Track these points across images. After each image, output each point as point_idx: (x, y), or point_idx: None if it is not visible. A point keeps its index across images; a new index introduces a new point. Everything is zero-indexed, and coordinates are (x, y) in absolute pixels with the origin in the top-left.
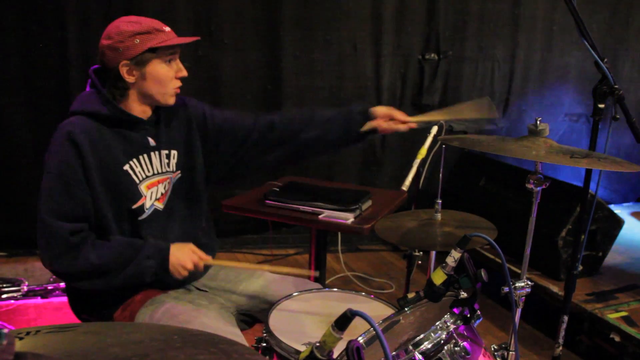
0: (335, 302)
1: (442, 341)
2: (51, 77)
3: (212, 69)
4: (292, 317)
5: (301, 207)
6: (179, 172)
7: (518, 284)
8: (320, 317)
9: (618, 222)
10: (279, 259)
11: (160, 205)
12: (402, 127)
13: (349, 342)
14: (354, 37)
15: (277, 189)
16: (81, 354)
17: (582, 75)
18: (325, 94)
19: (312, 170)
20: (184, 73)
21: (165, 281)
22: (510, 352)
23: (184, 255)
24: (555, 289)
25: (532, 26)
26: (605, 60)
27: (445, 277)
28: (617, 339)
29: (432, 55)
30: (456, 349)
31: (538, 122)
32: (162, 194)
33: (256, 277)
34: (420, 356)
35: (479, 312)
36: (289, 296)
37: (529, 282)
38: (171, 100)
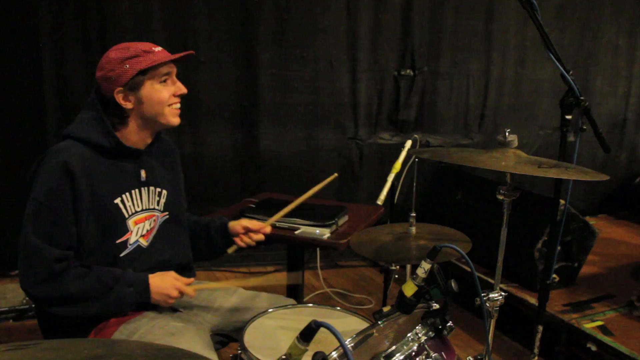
0: (311, 317)
1: (413, 353)
2: (25, 97)
3: (189, 86)
4: (267, 333)
5: (277, 223)
6: (167, 213)
7: (492, 295)
8: (295, 332)
9: (593, 233)
10: (257, 277)
11: (144, 242)
12: (260, 237)
13: (315, 353)
14: (330, 54)
15: (254, 206)
16: None
17: (555, 90)
18: (302, 110)
19: (290, 187)
20: (183, 90)
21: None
22: None
23: (166, 284)
24: (532, 300)
25: (505, 42)
26: (571, 72)
27: (415, 288)
28: (593, 348)
29: (408, 71)
30: None
31: (507, 134)
32: (147, 231)
33: (230, 294)
34: None
35: (450, 323)
36: (264, 312)
37: (502, 293)
38: (175, 121)
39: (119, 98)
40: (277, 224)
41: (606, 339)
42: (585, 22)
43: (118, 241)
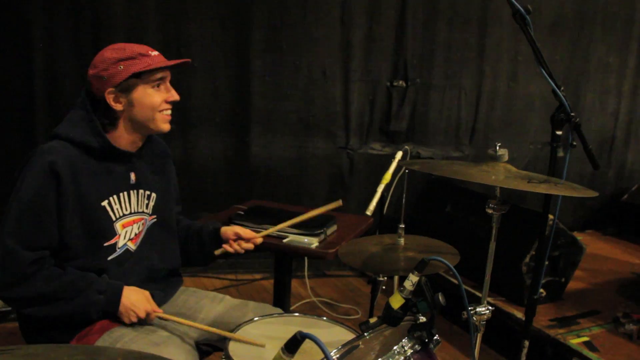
0: (297, 327)
1: None
2: (15, 96)
3: (181, 91)
4: None
5: (265, 231)
6: (155, 216)
7: (479, 309)
8: (280, 342)
9: (580, 249)
10: (245, 284)
11: (132, 246)
12: (249, 246)
13: None
14: (323, 62)
15: (242, 213)
16: None
17: (546, 105)
18: (294, 118)
19: (280, 195)
20: (175, 97)
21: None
22: None
23: (138, 302)
24: (519, 314)
25: (497, 56)
26: (562, 88)
27: (403, 301)
28: None
29: (400, 82)
30: None
31: (497, 148)
32: (135, 234)
33: (216, 303)
34: None
35: (437, 336)
36: (249, 321)
37: (490, 307)
38: (165, 127)
39: (110, 99)
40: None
41: (592, 355)
42: (577, 39)
43: (106, 244)
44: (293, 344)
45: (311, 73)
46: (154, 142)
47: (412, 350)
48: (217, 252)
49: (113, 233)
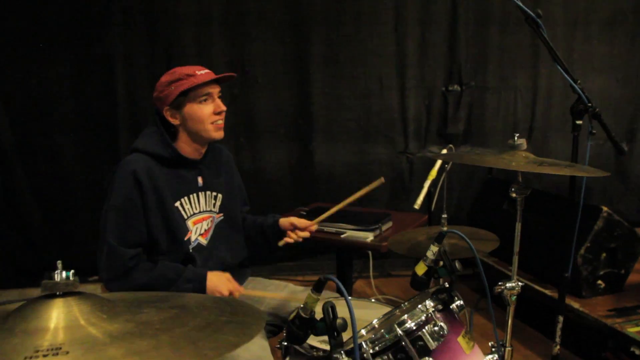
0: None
1: (422, 322)
2: (101, 118)
3: (247, 106)
4: None
5: (325, 228)
6: (222, 214)
7: (509, 284)
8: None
9: (639, 240)
10: (311, 284)
11: (203, 241)
12: (305, 234)
13: (325, 302)
14: (380, 72)
15: (304, 213)
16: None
17: (605, 102)
18: (354, 126)
19: (342, 199)
20: (222, 108)
21: None
22: (508, 348)
23: (220, 283)
24: (576, 305)
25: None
26: (578, 81)
27: (426, 268)
28: (637, 352)
29: (455, 86)
30: (435, 328)
31: (516, 138)
32: (205, 230)
33: (281, 289)
34: (402, 332)
35: (462, 302)
36: None
37: (519, 283)
38: (217, 135)
39: (167, 115)
40: (325, 229)
41: None
42: (635, 34)
43: (185, 238)
44: (319, 285)
45: (368, 83)
46: (217, 150)
47: (434, 309)
48: (280, 243)
49: (186, 229)
